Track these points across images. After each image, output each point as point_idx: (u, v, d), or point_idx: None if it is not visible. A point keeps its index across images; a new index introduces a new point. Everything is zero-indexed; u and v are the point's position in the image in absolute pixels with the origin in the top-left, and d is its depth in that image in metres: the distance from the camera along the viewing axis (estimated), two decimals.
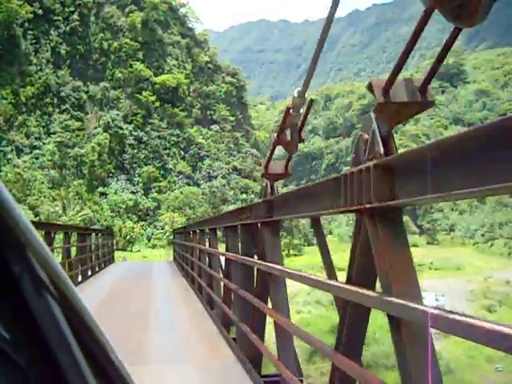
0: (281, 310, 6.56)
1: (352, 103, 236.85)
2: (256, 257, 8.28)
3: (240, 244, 9.12)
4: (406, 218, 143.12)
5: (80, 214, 79.92)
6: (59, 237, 31.00)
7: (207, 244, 15.70)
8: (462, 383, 29.19)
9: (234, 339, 9.85)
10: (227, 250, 10.64)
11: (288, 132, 6.38)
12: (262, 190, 7.74)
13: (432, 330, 2.64)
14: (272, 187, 7.39)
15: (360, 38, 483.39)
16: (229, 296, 11.13)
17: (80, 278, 22.06)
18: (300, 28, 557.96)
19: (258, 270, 8.02)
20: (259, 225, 7.86)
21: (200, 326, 12.09)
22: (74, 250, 23.72)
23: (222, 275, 11.93)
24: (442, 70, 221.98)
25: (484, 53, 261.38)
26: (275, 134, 6.74)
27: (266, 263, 6.83)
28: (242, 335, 8.80)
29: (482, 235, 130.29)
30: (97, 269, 27.47)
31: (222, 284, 11.80)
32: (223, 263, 12.16)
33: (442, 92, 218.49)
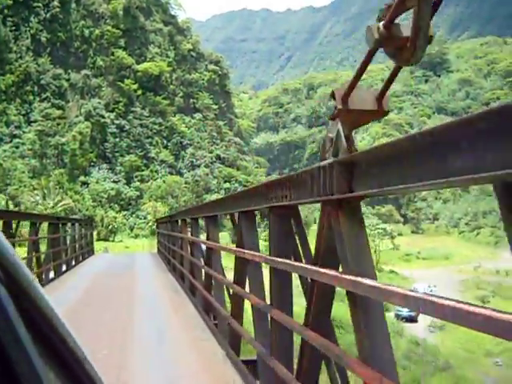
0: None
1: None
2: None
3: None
4: (389, 208, 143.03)
5: (61, 204, 78.55)
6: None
7: (203, 235, 14.29)
8: (463, 381, 28.36)
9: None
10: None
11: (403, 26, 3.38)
12: (328, 142, 4.29)
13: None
14: (349, 138, 3.96)
15: (343, 27, 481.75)
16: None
17: (52, 275, 19.37)
18: (282, 17, 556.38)
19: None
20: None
21: (199, 342, 9.98)
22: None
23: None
24: (425, 59, 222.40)
25: (467, 42, 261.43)
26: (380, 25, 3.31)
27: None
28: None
29: (467, 224, 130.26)
30: (73, 263, 24.86)
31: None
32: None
33: (426, 81, 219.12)
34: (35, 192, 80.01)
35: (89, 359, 0.94)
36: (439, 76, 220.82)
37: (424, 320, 48.17)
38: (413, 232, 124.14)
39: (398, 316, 53.62)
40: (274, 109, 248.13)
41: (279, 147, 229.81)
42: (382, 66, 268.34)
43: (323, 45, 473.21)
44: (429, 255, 77.50)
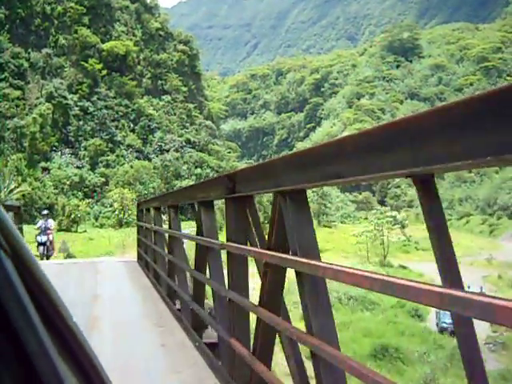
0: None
1: (305, 77, 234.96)
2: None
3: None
4: (366, 194, 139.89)
5: (16, 191, 72.36)
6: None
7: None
8: None
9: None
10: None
11: None
12: None
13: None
14: None
15: (309, 14, 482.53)
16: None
17: None
18: (249, 4, 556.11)
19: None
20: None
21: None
22: None
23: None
24: (396, 44, 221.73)
25: (439, 28, 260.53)
26: None
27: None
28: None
29: (449, 212, 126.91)
30: None
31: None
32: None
33: (397, 66, 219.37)
34: None
35: (88, 343, 0.99)
36: (411, 61, 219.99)
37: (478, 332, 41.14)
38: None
39: (442, 329, 39.22)
40: (242, 95, 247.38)
41: (247, 134, 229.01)
42: (353, 51, 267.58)
43: (290, 32, 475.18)
44: (428, 246, 72.36)
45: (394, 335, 27.44)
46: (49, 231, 28.86)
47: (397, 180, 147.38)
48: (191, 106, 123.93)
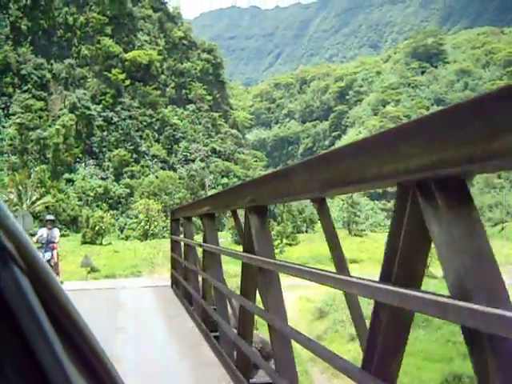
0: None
1: (329, 86, 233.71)
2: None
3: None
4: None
5: (39, 203, 71.12)
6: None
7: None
8: None
9: None
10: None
11: None
12: None
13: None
14: None
15: (332, 22, 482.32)
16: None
17: None
18: (271, 14, 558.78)
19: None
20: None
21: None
22: None
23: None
24: (420, 50, 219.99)
25: (464, 32, 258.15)
26: None
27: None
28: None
29: (488, 219, 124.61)
30: None
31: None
32: None
33: (422, 73, 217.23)
34: (8, 190, 72.27)
35: (105, 353, 1.00)
36: (436, 67, 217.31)
37: None
38: None
39: None
40: (266, 104, 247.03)
41: (272, 143, 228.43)
42: (377, 58, 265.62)
43: (312, 41, 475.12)
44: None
45: (458, 358, 25.03)
46: (53, 245, 20.24)
47: None
48: (216, 114, 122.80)
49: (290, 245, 78.53)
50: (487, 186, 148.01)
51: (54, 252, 20.11)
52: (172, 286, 17.29)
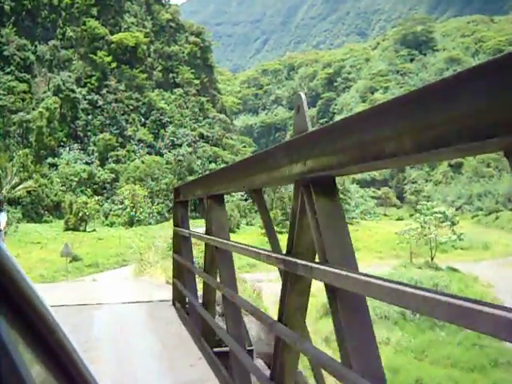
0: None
1: (317, 72, 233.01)
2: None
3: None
4: (386, 190, 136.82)
5: (20, 187, 69.08)
6: None
7: None
8: None
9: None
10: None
11: None
12: None
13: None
14: None
15: (319, 9, 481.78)
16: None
17: None
18: (257, 1, 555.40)
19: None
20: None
21: None
22: None
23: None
24: (410, 37, 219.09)
25: (453, 20, 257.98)
26: None
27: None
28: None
29: (479, 207, 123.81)
30: None
31: None
32: None
33: (411, 60, 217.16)
34: None
35: (78, 351, 0.99)
36: (425, 55, 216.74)
37: None
38: (411, 216, 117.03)
39: None
40: (254, 90, 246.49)
41: (259, 129, 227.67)
42: (365, 45, 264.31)
43: (299, 28, 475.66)
44: (465, 244, 67.60)
45: (491, 366, 22.82)
46: None
47: (413, 175, 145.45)
48: (204, 99, 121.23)
49: (281, 232, 76.95)
50: (476, 174, 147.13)
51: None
52: (174, 304, 11.90)
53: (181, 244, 10.61)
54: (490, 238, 76.83)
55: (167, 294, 13.06)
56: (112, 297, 14.69)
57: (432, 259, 57.35)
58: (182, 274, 10.55)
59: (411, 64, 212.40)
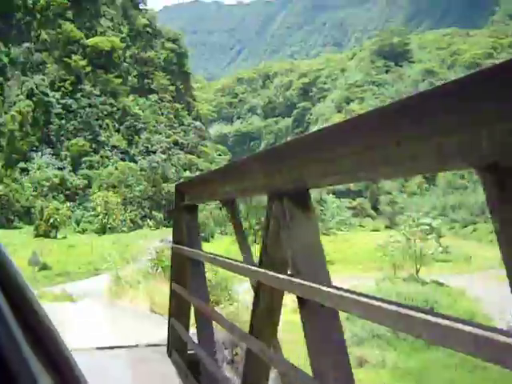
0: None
1: (292, 82, 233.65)
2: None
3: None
4: (361, 200, 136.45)
5: None
6: None
7: None
8: None
9: None
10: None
11: None
12: None
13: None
14: None
15: (295, 19, 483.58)
16: None
17: None
18: (234, 9, 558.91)
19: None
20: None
21: None
22: None
23: None
24: (386, 48, 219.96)
25: (429, 33, 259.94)
26: None
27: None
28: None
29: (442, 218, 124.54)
30: None
31: None
32: None
33: (387, 71, 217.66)
34: None
35: (63, 340, 1.00)
36: (401, 66, 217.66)
37: None
38: (387, 227, 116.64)
39: None
40: (229, 99, 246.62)
41: (234, 138, 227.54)
42: (341, 55, 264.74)
43: (275, 37, 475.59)
44: (445, 257, 66.85)
45: None
46: None
47: (387, 186, 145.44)
48: (179, 106, 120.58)
49: (255, 242, 76.04)
50: (450, 186, 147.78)
51: None
52: (170, 353, 8.39)
53: (186, 271, 7.10)
54: (470, 250, 76.31)
55: (156, 330, 10.60)
56: (82, 335, 11.76)
57: (417, 272, 56.41)
58: (183, 313, 7.69)
59: (387, 75, 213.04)
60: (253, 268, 4.11)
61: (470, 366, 23.23)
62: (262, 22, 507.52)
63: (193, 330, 7.37)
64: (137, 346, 9.61)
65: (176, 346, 7.95)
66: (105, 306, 18.57)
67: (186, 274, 7.11)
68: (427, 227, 62.20)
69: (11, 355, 0.90)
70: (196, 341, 6.64)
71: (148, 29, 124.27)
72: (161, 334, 9.60)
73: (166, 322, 8.62)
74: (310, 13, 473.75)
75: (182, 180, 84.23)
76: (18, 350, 0.91)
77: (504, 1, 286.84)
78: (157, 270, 28.34)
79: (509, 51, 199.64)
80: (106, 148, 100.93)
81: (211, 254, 5.79)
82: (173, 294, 7.94)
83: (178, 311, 7.84)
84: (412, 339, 29.54)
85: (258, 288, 4.13)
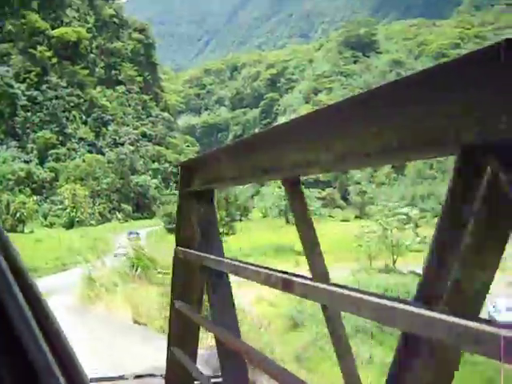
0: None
1: (260, 73, 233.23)
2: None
3: None
4: (330, 191, 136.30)
5: None
6: None
7: None
8: None
9: None
10: None
11: None
12: None
13: None
14: None
15: (263, 10, 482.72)
16: None
17: None
18: (200, 1, 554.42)
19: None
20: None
21: None
22: None
23: None
24: (353, 39, 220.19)
25: (396, 23, 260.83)
26: None
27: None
28: None
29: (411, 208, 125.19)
30: None
31: None
32: None
33: (355, 62, 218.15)
34: None
35: (66, 336, 1.02)
36: (368, 57, 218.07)
37: None
38: (357, 217, 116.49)
39: None
40: (196, 90, 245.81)
41: (201, 130, 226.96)
42: (309, 46, 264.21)
43: (242, 29, 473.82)
44: (420, 247, 66.03)
45: None
46: None
47: (357, 176, 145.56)
48: (147, 97, 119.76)
49: (227, 234, 75.40)
50: (419, 176, 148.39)
51: None
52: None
53: (196, 284, 5.12)
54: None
55: (146, 350, 9.03)
56: None
57: (394, 263, 56.08)
58: (190, 340, 5.47)
59: (355, 66, 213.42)
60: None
61: (484, 377, 22.59)
62: (230, 13, 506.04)
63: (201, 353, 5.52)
64: (123, 377, 6.94)
65: (176, 379, 5.53)
66: (77, 313, 16.36)
67: (195, 289, 5.18)
68: (404, 217, 61.96)
69: (29, 345, 0.94)
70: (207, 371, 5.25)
71: (115, 19, 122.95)
72: (152, 354, 7.86)
73: (155, 336, 7.60)
74: (277, 4, 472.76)
75: (150, 172, 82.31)
76: (36, 341, 0.94)
77: None
78: (136, 270, 26.08)
79: (475, 41, 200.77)
80: (73, 140, 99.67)
81: (241, 261, 3.40)
82: (175, 314, 5.30)
83: (182, 338, 5.40)
84: (397, 333, 28.75)
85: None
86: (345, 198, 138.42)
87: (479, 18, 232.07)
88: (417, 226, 64.24)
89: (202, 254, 4.01)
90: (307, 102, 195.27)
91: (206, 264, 3.94)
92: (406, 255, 58.55)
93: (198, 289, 4.91)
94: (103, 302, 16.92)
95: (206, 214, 4.34)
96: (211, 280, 4.05)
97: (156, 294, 18.93)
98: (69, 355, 1.06)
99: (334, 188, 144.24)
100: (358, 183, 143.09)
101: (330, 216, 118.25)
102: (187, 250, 4.63)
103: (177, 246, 5.01)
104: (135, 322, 12.00)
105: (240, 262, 3.48)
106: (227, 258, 3.82)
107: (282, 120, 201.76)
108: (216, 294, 4.02)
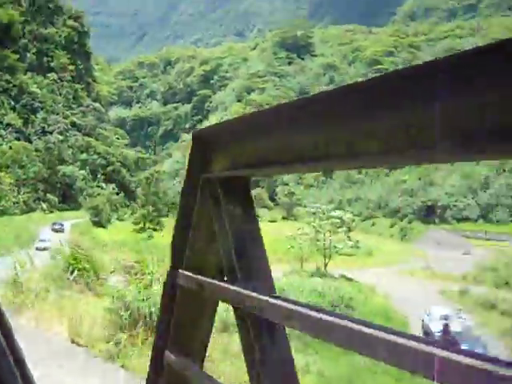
0: None
1: (194, 68, 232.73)
2: None
3: None
4: (259, 191, 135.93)
5: None
6: None
7: None
8: None
9: None
10: None
11: None
12: None
13: None
14: None
15: (199, 7, 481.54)
16: None
17: None
18: None
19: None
20: None
21: None
22: None
23: None
24: (289, 41, 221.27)
25: (332, 28, 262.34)
26: None
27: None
28: None
29: (355, 213, 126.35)
30: None
31: None
32: None
33: (289, 63, 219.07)
34: None
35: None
36: (303, 59, 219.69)
37: None
38: (284, 218, 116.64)
39: None
40: (129, 83, 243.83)
41: (132, 122, 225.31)
42: (244, 44, 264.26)
43: (178, 24, 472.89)
44: (351, 251, 66.13)
45: None
46: None
47: (285, 177, 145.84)
48: (79, 86, 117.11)
49: (155, 230, 74.40)
50: (347, 180, 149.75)
51: None
52: None
53: (208, 330, 3.39)
54: (372, 244, 76.61)
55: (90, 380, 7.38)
56: None
57: (326, 266, 55.79)
58: None
59: (289, 67, 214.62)
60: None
61: (395, 373, 21.96)
62: (166, 8, 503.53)
63: None
64: None
65: None
66: None
67: (199, 336, 3.43)
68: (338, 220, 61.92)
69: None
70: None
71: (49, 4, 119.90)
72: None
73: (103, 365, 6.40)
74: (213, 1, 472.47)
75: (78, 163, 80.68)
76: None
77: (407, 2, 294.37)
78: (71, 273, 22.82)
79: (409, 50, 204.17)
80: (0, 126, 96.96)
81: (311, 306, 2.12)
82: (168, 372, 3.30)
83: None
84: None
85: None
86: (272, 199, 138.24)
87: (414, 28, 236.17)
88: (349, 229, 64.41)
89: (246, 292, 2.38)
90: (239, 101, 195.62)
91: (250, 309, 2.39)
92: (335, 258, 58.66)
93: (206, 336, 3.38)
94: (32, 311, 14.50)
95: (243, 218, 2.69)
96: (256, 332, 2.49)
97: (100, 308, 16.14)
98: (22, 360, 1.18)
99: (262, 188, 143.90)
100: (286, 184, 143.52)
101: (257, 216, 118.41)
102: (206, 279, 2.84)
103: (174, 266, 3.22)
104: (73, 342, 10.01)
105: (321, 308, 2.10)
106: (290, 301, 2.19)
107: (213, 117, 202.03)
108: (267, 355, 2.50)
